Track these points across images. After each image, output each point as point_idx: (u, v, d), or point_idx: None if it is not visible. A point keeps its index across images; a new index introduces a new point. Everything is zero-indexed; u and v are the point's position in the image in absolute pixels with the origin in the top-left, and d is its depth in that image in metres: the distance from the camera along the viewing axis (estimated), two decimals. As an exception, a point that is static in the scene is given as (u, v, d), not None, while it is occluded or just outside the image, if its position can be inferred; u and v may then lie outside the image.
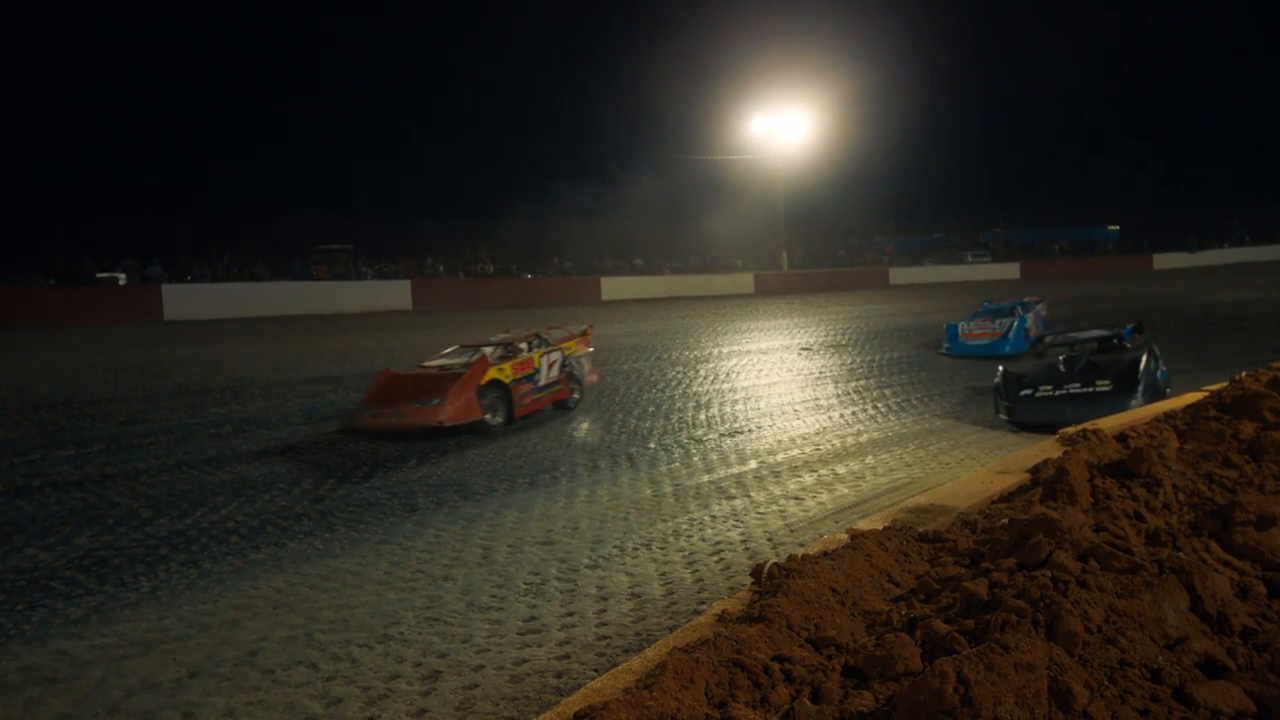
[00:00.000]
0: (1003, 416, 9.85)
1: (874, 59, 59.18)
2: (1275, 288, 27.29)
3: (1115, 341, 10.92)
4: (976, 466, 7.08)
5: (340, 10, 64.60)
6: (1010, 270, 43.20)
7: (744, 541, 5.91)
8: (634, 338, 19.43)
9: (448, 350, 11.47)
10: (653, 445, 9.29)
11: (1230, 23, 70.03)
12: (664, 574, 5.31)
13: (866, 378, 13.72)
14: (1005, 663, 1.90)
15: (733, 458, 8.64)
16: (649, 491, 7.43)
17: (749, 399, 11.96)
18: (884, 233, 56.51)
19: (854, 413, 10.97)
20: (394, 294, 28.56)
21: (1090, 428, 5.09)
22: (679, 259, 42.64)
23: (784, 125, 41.47)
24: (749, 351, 16.88)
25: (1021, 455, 5.24)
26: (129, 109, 45.09)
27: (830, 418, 10.66)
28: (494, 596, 5.01)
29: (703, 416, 10.83)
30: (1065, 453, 4.26)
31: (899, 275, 41.19)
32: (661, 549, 5.80)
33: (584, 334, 12.50)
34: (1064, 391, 9.60)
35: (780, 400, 11.87)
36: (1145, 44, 68.01)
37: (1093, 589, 2.34)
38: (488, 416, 9.87)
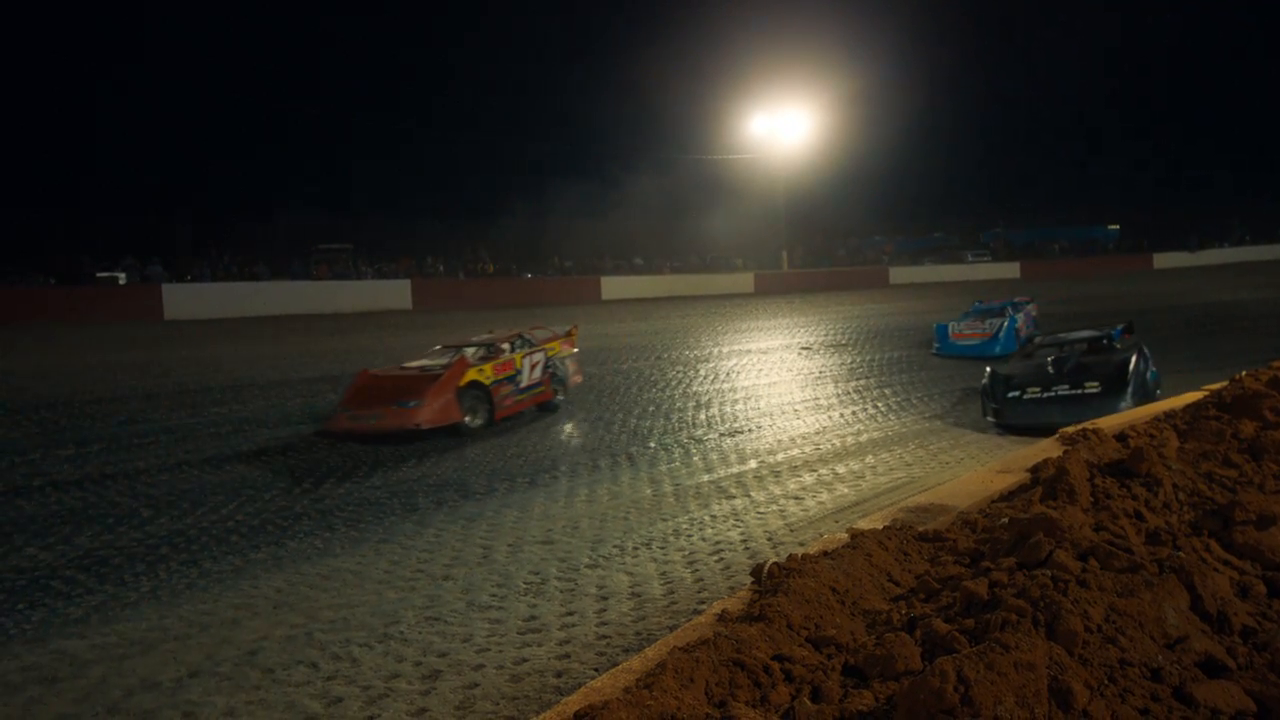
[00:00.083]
0: (990, 419, 9.74)
1: (874, 59, 59.13)
2: (1275, 287, 27.29)
3: (1105, 342, 10.83)
4: (976, 466, 7.09)
5: (340, 10, 64.55)
6: (1010, 270, 43.20)
7: (744, 541, 5.91)
8: (634, 337, 19.43)
9: (434, 349, 11.40)
10: (653, 445, 9.29)
11: (1230, 23, 70.03)
12: (664, 573, 5.31)
13: (866, 377, 13.72)
14: (1005, 662, 1.90)
15: (733, 457, 8.64)
16: (649, 491, 7.43)
17: (749, 398, 11.96)
18: (884, 233, 56.48)
19: (854, 412, 10.97)
20: (394, 294, 28.55)
21: (1090, 427, 5.09)
22: (679, 259, 42.60)
23: (784, 125, 41.46)
24: (749, 351, 16.88)
25: (1021, 455, 5.24)
26: (129, 109, 45.06)
27: (830, 417, 10.66)
28: (494, 596, 5.01)
29: (703, 416, 10.83)
30: (1065, 452, 4.27)
31: (899, 275, 41.16)
32: (661, 548, 5.80)
33: (568, 334, 12.32)
34: (1052, 393, 9.49)
35: (780, 400, 11.87)
36: (1145, 44, 67.98)
37: (1093, 588, 2.34)
38: (467, 419, 9.68)
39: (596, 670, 3.86)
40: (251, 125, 49.88)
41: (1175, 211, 55.62)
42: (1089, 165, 69.08)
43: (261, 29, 52.77)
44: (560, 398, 11.43)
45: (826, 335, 19.43)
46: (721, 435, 9.72)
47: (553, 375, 11.29)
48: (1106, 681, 2.02)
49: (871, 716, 2.00)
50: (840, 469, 8.01)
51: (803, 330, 20.58)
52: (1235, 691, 2.03)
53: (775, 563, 3.04)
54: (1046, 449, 4.95)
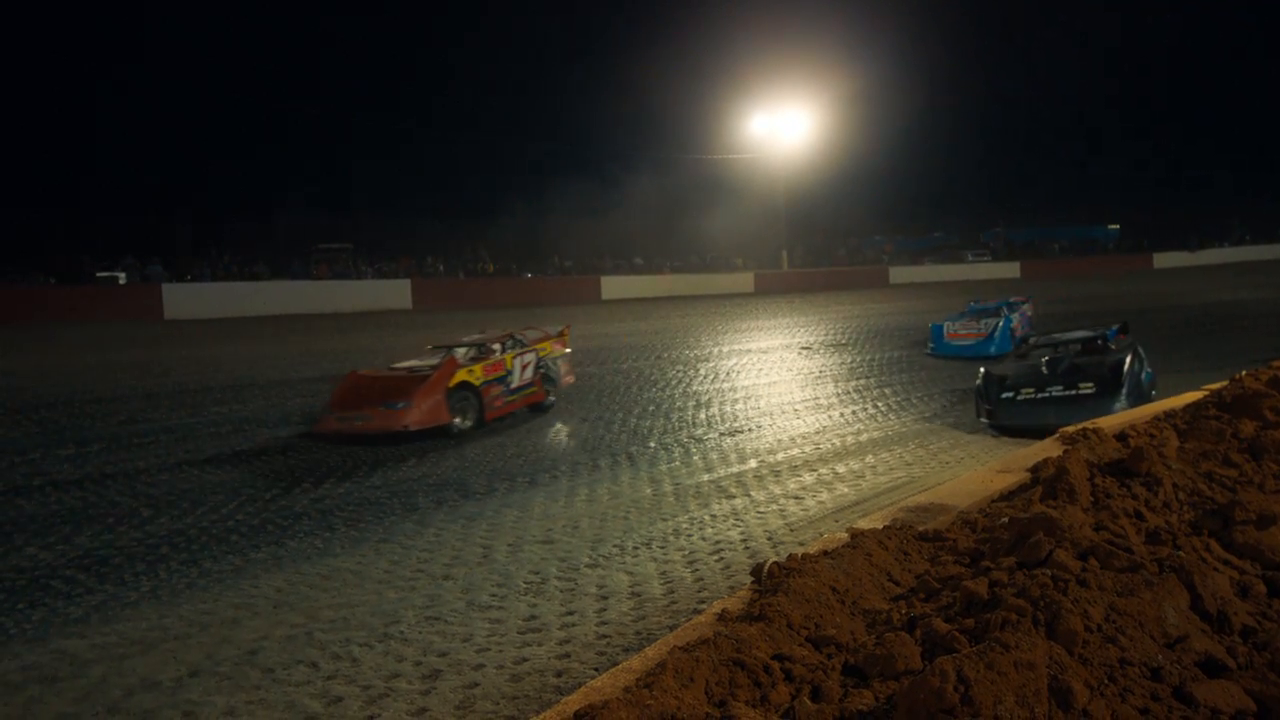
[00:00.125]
0: (983, 420, 9.67)
1: (874, 59, 59.13)
2: (1275, 287, 27.29)
3: (1100, 343, 10.76)
4: (976, 465, 7.09)
5: (340, 10, 64.60)
6: (1010, 269, 43.22)
7: (744, 540, 5.91)
8: (634, 337, 19.43)
9: (424, 349, 11.34)
10: (653, 444, 9.29)
11: (1230, 23, 70.08)
12: (664, 573, 5.31)
13: (866, 377, 13.72)
14: (1005, 661, 1.90)
15: (733, 457, 8.64)
16: (649, 490, 7.43)
17: (749, 398, 11.96)
18: (884, 232, 56.50)
19: (854, 412, 10.97)
20: (394, 293, 28.56)
21: (1090, 427, 5.09)
22: (679, 258, 42.63)
23: (784, 125, 41.48)
24: (749, 350, 16.88)
25: (1022, 454, 5.23)
26: (129, 109, 45.08)
27: (830, 417, 10.66)
28: (494, 595, 5.01)
29: (703, 415, 10.83)
30: (1065, 451, 4.26)
31: (899, 274, 41.18)
32: (661, 548, 5.80)
33: (560, 335, 12.23)
34: (1046, 394, 9.41)
35: (780, 399, 11.87)
36: (1145, 44, 68.04)
37: (1093, 588, 2.34)
38: (456, 420, 9.56)
39: (596, 670, 3.86)
40: (251, 125, 49.93)
41: (1175, 211, 55.69)
42: (1089, 165, 69.18)
43: (261, 29, 52.83)
44: (552, 399, 11.33)
45: (826, 335, 19.43)
46: (721, 435, 9.72)
47: (544, 376, 11.20)
48: (1106, 681, 2.02)
49: (871, 716, 2.00)
50: (840, 468, 8.01)
51: (803, 330, 20.58)
52: (1235, 691, 2.03)
53: (775, 562, 3.04)
54: (1047, 448, 4.94)
